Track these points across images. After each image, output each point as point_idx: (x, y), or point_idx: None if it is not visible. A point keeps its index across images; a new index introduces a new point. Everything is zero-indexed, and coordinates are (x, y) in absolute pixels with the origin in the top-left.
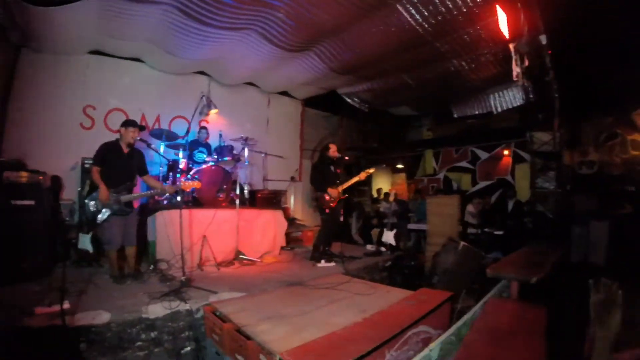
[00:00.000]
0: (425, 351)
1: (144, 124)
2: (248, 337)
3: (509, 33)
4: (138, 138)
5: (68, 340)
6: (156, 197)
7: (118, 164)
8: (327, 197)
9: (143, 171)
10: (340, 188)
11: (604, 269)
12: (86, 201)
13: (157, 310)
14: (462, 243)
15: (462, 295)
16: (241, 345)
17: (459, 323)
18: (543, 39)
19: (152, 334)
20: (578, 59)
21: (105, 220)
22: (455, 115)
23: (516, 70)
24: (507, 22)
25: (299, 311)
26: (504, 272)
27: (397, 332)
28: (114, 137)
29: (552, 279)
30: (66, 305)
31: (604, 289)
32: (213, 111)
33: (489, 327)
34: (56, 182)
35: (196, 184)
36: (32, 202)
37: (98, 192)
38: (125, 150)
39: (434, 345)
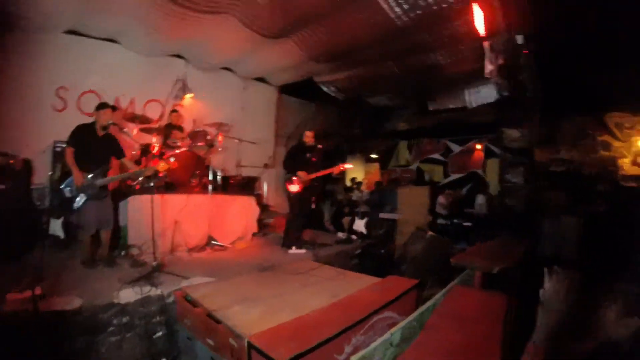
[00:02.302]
0: (386, 335)
1: (117, 106)
2: (218, 321)
3: (485, 31)
4: (111, 121)
5: (40, 326)
6: (128, 182)
7: (92, 146)
8: (295, 179)
9: (120, 154)
10: (311, 176)
11: (573, 263)
12: (62, 187)
13: (128, 295)
14: (429, 232)
15: (430, 283)
16: (212, 330)
17: (422, 309)
18: (519, 39)
19: (124, 319)
20: (553, 60)
21: (81, 206)
22: (430, 108)
23: (489, 67)
24: (484, 20)
25: (269, 296)
26: (468, 261)
27: (363, 317)
28: (86, 120)
29: (516, 270)
30: (38, 290)
31: (555, 277)
32: (188, 95)
33: (450, 313)
34: (27, 166)
35: (172, 164)
36: (3, 186)
37: (73, 177)
38: (100, 133)
39: (395, 330)
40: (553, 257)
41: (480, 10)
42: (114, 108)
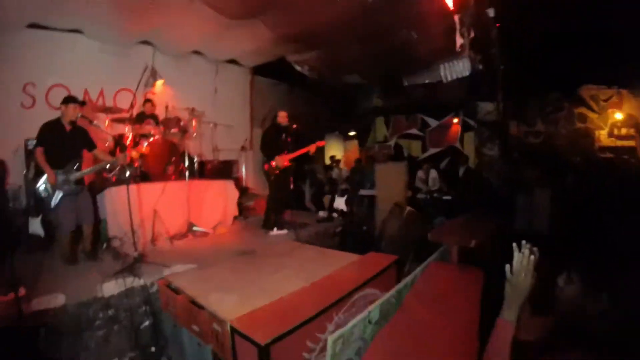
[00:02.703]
0: (364, 313)
1: (87, 99)
2: (201, 307)
3: (453, 4)
4: (80, 115)
5: (26, 327)
6: (104, 174)
7: (61, 142)
8: (273, 164)
9: (91, 146)
10: (289, 157)
11: (546, 236)
12: (37, 187)
13: (111, 288)
14: (407, 208)
15: (410, 259)
16: (195, 316)
17: (400, 285)
18: (491, 12)
19: (109, 312)
20: (525, 33)
21: (58, 203)
22: (405, 84)
23: (460, 41)
24: None
25: (250, 279)
26: (445, 237)
27: (343, 295)
28: (57, 115)
29: (493, 244)
30: (21, 292)
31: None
32: (159, 82)
33: (427, 289)
34: (0, 167)
35: (144, 149)
36: None
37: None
38: (68, 127)
39: (373, 308)
40: (526, 230)
41: None
42: (82, 102)
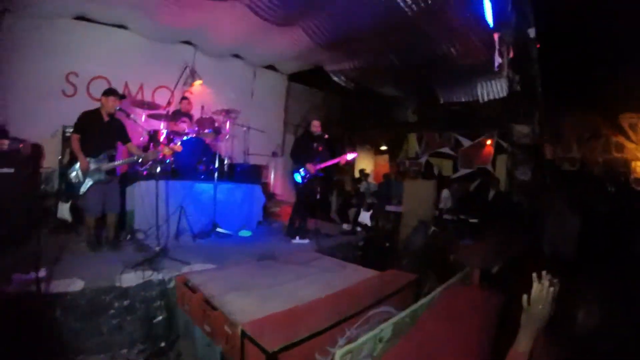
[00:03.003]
0: (376, 330)
1: (126, 92)
2: (215, 308)
3: (493, 22)
4: (118, 107)
5: (43, 307)
6: (136, 167)
7: (98, 132)
8: (302, 172)
9: (125, 139)
10: (319, 166)
11: (572, 264)
12: (68, 172)
13: (130, 278)
14: (432, 228)
15: (431, 278)
16: (208, 316)
17: (415, 305)
18: (532, 32)
19: (125, 302)
20: (567, 56)
21: (87, 190)
22: (441, 101)
23: (498, 60)
24: (493, 11)
25: (267, 284)
26: (467, 258)
27: (358, 311)
28: (95, 105)
29: (517, 269)
30: (42, 273)
31: (541, 283)
32: (197, 82)
33: (443, 311)
34: (36, 150)
35: (177, 148)
36: (11, 170)
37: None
38: (106, 118)
39: (385, 326)
40: (553, 257)
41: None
42: (121, 96)
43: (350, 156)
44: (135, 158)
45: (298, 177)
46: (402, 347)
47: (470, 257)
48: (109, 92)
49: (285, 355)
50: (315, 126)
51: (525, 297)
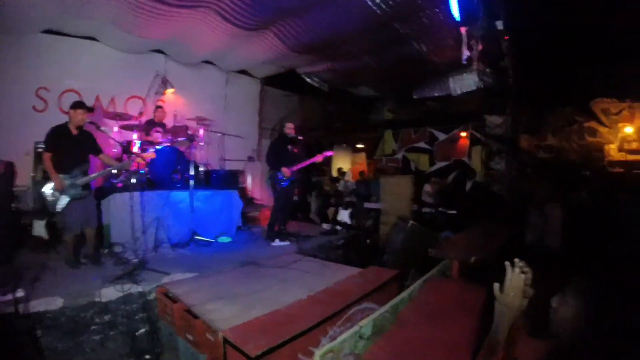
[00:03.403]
0: (355, 328)
1: (98, 104)
2: (196, 317)
3: (460, 16)
4: (88, 121)
5: (23, 327)
6: (111, 179)
7: (69, 147)
8: (279, 176)
9: (97, 151)
10: (294, 168)
11: (555, 253)
12: (43, 191)
13: (110, 293)
14: (410, 222)
15: (412, 273)
16: (190, 325)
17: (396, 300)
18: (499, 24)
19: (106, 317)
20: (536, 46)
21: (65, 207)
22: (415, 97)
23: (466, 53)
24: (459, 5)
25: (249, 290)
26: (446, 251)
27: (340, 309)
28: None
29: (498, 260)
30: (20, 292)
31: (513, 270)
32: (169, 90)
33: (423, 305)
34: (9, 169)
35: (150, 155)
36: None
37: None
38: (75, 132)
39: (365, 322)
40: (536, 246)
41: None
42: (89, 108)
43: (325, 154)
44: (109, 170)
45: (278, 182)
46: (384, 343)
47: (448, 250)
48: (77, 105)
49: (268, 359)
50: (290, 129)
51: (496, 285)
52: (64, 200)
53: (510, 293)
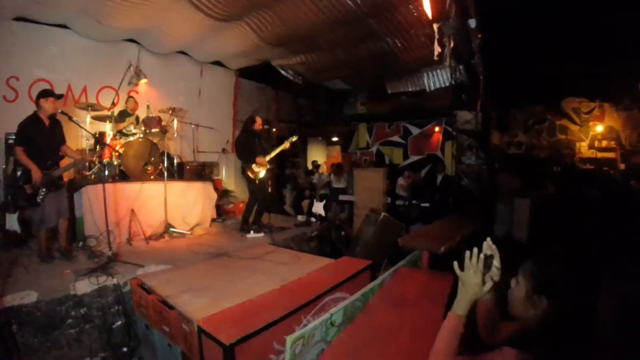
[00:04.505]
0: (326, 315)
1: (70, 94)
2: (171, 307)
3: (432, 13)
4: (60, 110)
5: None
6: (84, 172)
7: (43, 139)
8: (255, 168)
9: (62, 141)
10: (267, 158)
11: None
12: (21, 184)
13: (84, 286)
14: (382, 214)
15: (384, 264)
16: (165, 316)
17: (366, 289)
18: (472, 23)
19: (82, 311)
20: (509, 45)
21: (43, 200)
22: (389, 92)
23: (438, 49)
24: (430, 2)
25: (223, 281)
26: (415, 242)
27: (312, 298)
28: None
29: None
30: None
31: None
32: (143, 81)
33: (393, 294)
34: None
35: (118, 147)
36: None
37: (31, 173)
38: (47, 122)
39: (336, 310)
40: (504, 238)
41: None
42: (59, 95)
43: (292, 140)
44: (80, 161)
45: (254, 175)
46: (351, 330)
47: (417, 241)
48: (47, 93)
49: (242, 347)
50: (258, 123)
51: (455, 263)
52: (42, 193)
53: (469, 270)
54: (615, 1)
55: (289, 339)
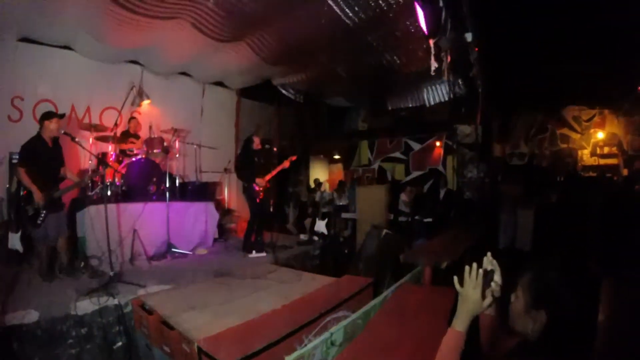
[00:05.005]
0: (326, 334)
1: (73, 115)
2: (172, 328)
3: (427, 29)
4: (62, 131)
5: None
6: (86, 192)
7: (45, 160)
8: (256, 188)
9: (62, 162)
10: (267, 177)
11: (526, 254)
12: (23, 206)
13: (85, 306)
14: (384, 230)
15: (388, 280)
16: (166, 336)
17: (367, 307)
18: (468, 37)
19: (83, 330)
20: (507, 57)
21: (42, 221)
22: (389, 108)
23: (434, 65)
24: (425, 19)
25: (223, 300)
26: (416, 258)
27: (313, 318)
28: None
29: (469, 262)
30: None
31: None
32: (145, 102)
33: (394, 311)
34: None
35: (115, 166)
36: None
37: (33, 195)
38: (50, 144)
39: (336, 329)
40: (508, 248)
41: (421, 9)
42: (61, 115)
43: (292, 159)
44: (81, 181)
45: (255, 194)
46: (352, 349)
47: (419, 256)
48: (50, 115)
49: None
50: (256, 143)
51: (456, 278)
52: (43, 213)
53: (469, 286)
54: (615, 1)
55: (288, 359)
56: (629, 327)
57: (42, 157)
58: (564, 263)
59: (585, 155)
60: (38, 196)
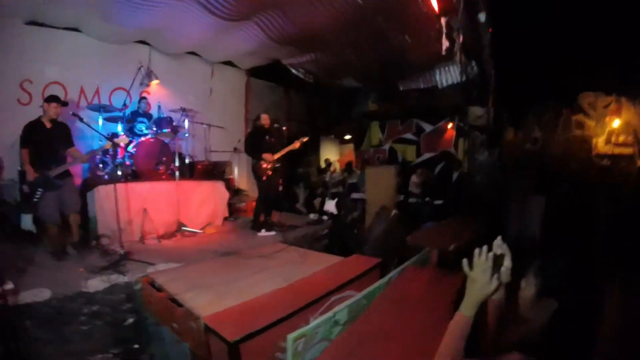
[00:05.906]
0: (330, 314)
1: (82, 96)
2: (180, 305)
3: (438, 7)
4: (72, 112)
5: (12, 319)
6: (97, 172)
7: (43, 141)
8: (263, 164)
9: (70, 144)
10: (276, 156)
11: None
12: (20, 185)
13: (96, 284)
14: (393, 211)
15: (394, 262)
16: (174, 314)
17: (371, 287)
18: (482, 17)
19: (93, 308)
20: (522, 39)
21: (40, 199)
22: (400, 89)
23: (445, 44)
24: None
25: (229, 279)
26: (424, 240)
27: (319, 297)
28: None
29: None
30: (9, 285)
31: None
32: (154, 82)
33: (398, 292)
34: None
35: (124, 140)
36: None
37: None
38: (48, 125)
39: (340, 308)
40: (517, 237)
41: None
42: (64, 103)
43: (303, 140)
44: (77, 161)
45: (262, 171)
46: (353, 330)
47: (426, 239)
48: (51, 98)
49: (247, 345)
50: (264, 119)
51: (465, 261)
52: (38, 192)
53: (478, 269)
54: None
55: (290, 337)
56: (631, 325)
57: (39, 138)
58: (576, 253)
59: (600, 143)
60: (30, 175)
